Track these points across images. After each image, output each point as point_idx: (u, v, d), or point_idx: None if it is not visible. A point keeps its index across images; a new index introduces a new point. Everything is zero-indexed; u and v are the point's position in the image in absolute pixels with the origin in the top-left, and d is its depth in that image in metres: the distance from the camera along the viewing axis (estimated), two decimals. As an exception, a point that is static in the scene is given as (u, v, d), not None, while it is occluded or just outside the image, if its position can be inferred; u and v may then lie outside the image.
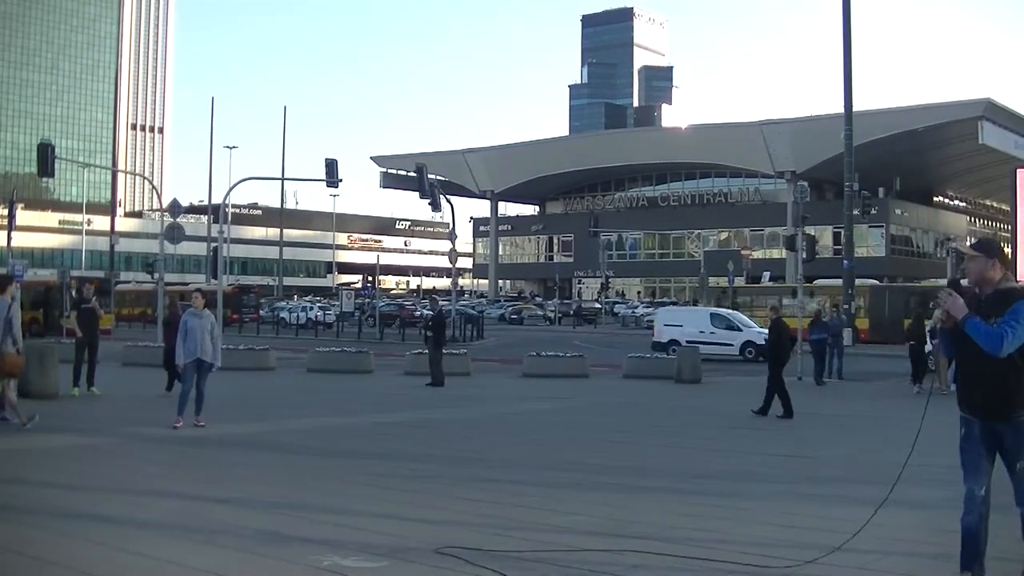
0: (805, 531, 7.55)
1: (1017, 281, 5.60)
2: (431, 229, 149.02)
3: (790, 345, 17.43)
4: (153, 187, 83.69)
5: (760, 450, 12.74)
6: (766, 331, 18.96)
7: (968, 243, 6.13)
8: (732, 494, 9.18)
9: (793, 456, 12.17)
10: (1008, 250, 39.16)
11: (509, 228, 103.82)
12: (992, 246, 5.99)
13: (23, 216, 65.27)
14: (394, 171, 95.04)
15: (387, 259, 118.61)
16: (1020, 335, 5.56)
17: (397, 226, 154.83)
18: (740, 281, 70.28)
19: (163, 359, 18.41)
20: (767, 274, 67.43)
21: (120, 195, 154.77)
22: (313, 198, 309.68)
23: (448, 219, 51.63)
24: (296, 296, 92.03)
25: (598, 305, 71.05)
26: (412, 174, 58.58)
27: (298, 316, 60.77)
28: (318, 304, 67.95)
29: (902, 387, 22.12)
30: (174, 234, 32.27)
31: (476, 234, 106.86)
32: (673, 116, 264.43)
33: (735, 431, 14.75)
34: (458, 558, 6.46)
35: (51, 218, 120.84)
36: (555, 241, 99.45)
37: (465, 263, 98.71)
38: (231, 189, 35.04)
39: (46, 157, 29.72)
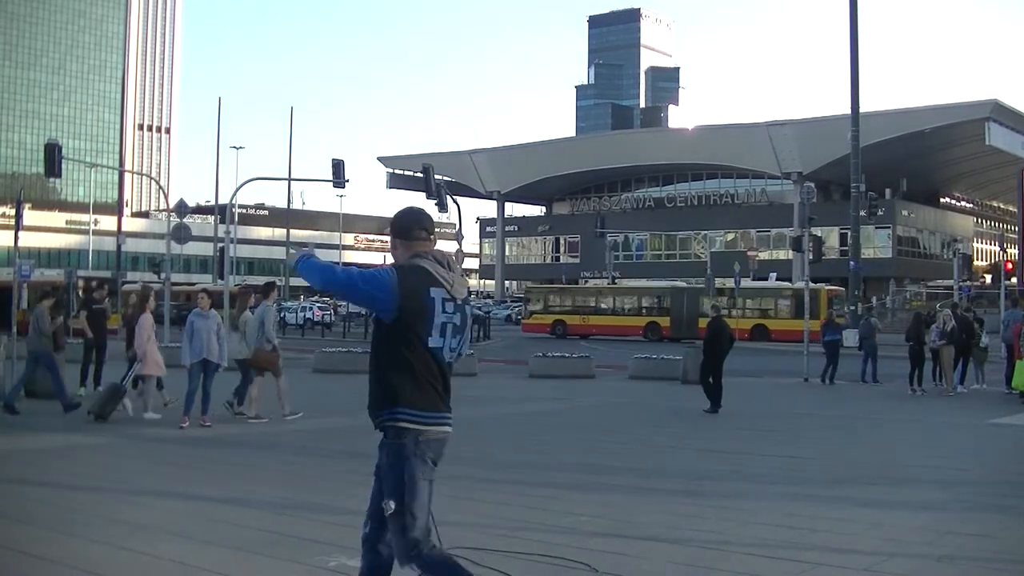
0: (808, 532, 7.54)
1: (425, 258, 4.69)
2: (438, 230, 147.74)
3: (729, 344, 17.55)
4: (160, 187, 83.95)
5: (762, 451, 12.72)
6: None
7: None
8: (734, 495, 9.17)
9: (794, 457, 12.15)
10: (1014, 251, 38.93)
11: (515, 229, 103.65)
12: (394, 222, 4.93)
13: (30, 216, 65.37)
14: (401, 172, 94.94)
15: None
16: (357, 286, 4.44)
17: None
18: (746, 283, 70.25)
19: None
20: (773, 275, 67.33)
21: (127, 195, 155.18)
22: (320, 198, 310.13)
23: (455, 220, 51.51)
24: (303, 296, 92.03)
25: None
26: (419, 175, 58.45)
27: (296, 316, 60.84)
28: (317, 305, 68.14)
29: (900, 389, 22.04)
30: (180, 234, 32.30)
31: (483, 235, 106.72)
32: (680, 117, 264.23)
33: (737, 432, 14.72)
34: (463, 558, 6.45)
35: (58, 218, 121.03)
36: (562, 242, 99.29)
37: (472, 264, 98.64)
38: (238, 189, 35.12)
39: (53, 157, 29.78)
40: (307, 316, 61.09)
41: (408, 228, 4.84)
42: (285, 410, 14.54)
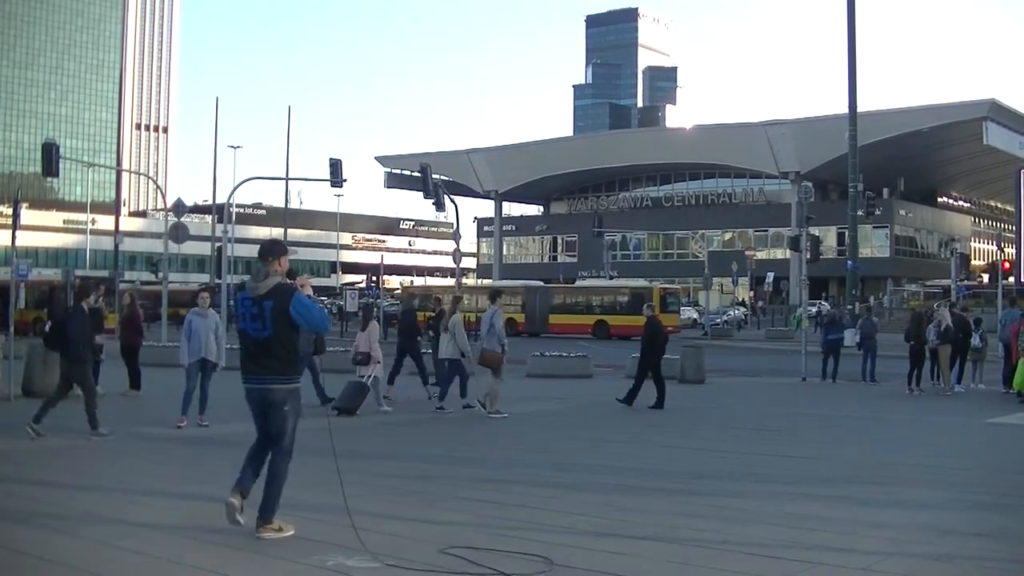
0: (807, 532, 7.54)
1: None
2: (435, 229, 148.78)
3: (664, 342, 18.17)
4: (157, 187, 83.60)
5: (760, 450, 12.74)
6: None
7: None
8: (733, 494, 9.18)
9: (793, 456, 12.16)
10: (1012, 250, 38.97)
11: (513, 228, 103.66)
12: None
13: (27, 215, 65.27)
14: (398, 171, 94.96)
15: (391, 259, 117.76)
16: None
17: (401, 226, 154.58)
18: (745, 282, 70.31)
19: (122, 355, 18.19)
20: (771, 275, 67.38)
21: (124, 195, 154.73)
22: (317, 198, 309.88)
23: (452, 219, 51.56)
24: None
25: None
26: (416, 174, 58.52)
27: None
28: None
29: (898, 388, 22.02)
30: (178, 234, 32.25)
31: (480, 234, 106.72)
32: (677, 116, 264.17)
33: (736, 432, 14.74)
34: (461, 558, 6.47)
35: (55, 218, 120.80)
36: (559, 241, 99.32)
37: (469, 263, 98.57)
38: (235, 189, 34.93)
39: (50, 157, 29.70)
40: None
41: (260, 255, 7.36)
42: (490, 408, 15.64)
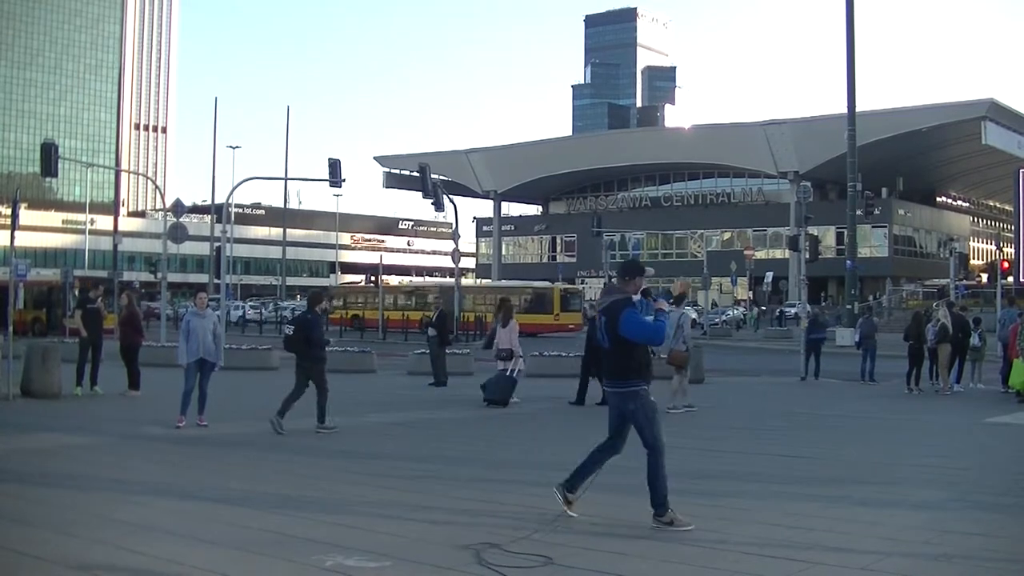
0: (806, 532, 7.55)
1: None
2: (434, 229, 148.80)
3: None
4: (156, 187, 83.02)
5: (760, 450, 12.74)
6: None
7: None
8: (732, 494, 9.18)
9: (793, 456, 12.15)
10: (1011, 250, 38.84)
11: (512, 228, 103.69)
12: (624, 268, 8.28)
13: (26, 216, 65.15)
14: (397, 171, 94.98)
15: (390, 259, 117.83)
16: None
17: (400, 226, 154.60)
18: (744, 281, 70.33)
19: (121, 356, 18.18)
20: (770, 274, 67.44)
21: (123, 195, 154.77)
22: (316, 198, 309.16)
23: (451, 219, 51.72)
24: (299, 296, 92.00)
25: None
26: (415, 174, 58.57)
27: (228, 314, 60.63)
28: (249, 304, 69.58)
29: (897, 388, 21.98)
30: (177, 234, 32.22)
31: (479, 234, 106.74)
32: (676, 116, 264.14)
33: (735, 431, 14.73)
34: (461, 558, 6.47)
35: (54, 218, 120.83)
36: (558, 241, 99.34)
37: (468, 263, 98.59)
38: (234, 189, 34.88)
39: (49, 157, 29.67)
40: (241, 315, 61.16)
41: (617, 272, 8.28)
42: (679, 406, 16.68)
